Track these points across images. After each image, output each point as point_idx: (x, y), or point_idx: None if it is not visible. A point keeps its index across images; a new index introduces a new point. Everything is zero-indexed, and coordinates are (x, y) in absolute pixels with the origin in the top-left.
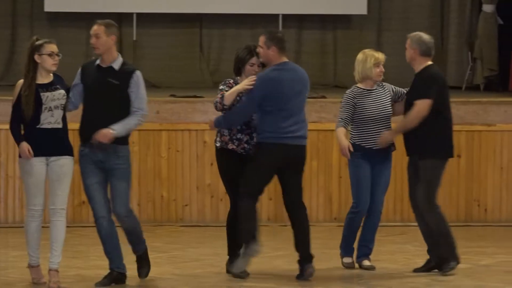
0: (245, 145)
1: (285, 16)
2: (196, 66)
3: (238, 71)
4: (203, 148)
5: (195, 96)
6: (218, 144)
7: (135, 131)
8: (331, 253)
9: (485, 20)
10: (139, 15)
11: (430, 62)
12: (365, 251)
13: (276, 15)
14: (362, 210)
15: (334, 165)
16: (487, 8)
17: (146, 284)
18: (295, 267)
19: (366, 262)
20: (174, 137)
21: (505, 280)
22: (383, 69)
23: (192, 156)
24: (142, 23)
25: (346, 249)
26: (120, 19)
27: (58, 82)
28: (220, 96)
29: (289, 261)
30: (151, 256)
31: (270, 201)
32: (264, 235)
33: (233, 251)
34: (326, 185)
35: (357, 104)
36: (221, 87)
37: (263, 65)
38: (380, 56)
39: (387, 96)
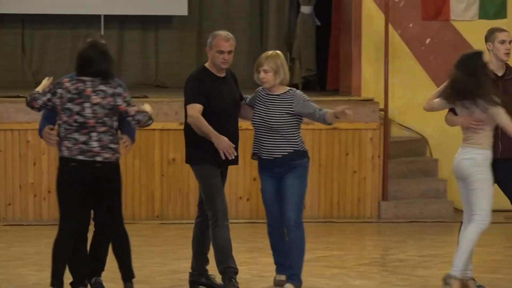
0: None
1: (107, 17)
2: (18, 66)
3: None
4: (26, 147)
5: (17, 96)
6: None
7: None
8: (155, 251)
9: (303, 21)
10: None
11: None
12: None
13: (98, 16)
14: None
15: (156, 163)
16: (305, 9)
17: None
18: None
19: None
20: None
21: (324, 275)
22: (265, 75)
23: (15, 156)
24: None
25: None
26: None
27: None
28: None
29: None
30: None
31: None
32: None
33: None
34: (148, 183)
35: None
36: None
37: None
38: (262, 60)
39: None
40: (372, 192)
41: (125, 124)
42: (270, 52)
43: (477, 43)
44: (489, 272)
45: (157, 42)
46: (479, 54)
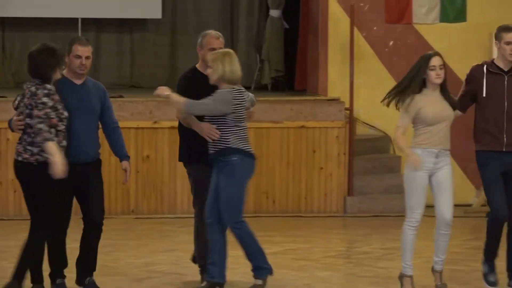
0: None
1: (84, 20)
2: None
3: None
4: (6, 145)
5: None
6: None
7: None
8: (130, 244)
9: (272, 24)
10: None
11: None
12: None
13: (76, 19)
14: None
15: (131, 160)
16: (274, 13)
17: None
18: None
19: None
20: None
21: (292, 267)
22: (208, 71)
23: None
24: None
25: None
26: None
27: None
28: None
29: None
30: None
31: None
32: None
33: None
34: None
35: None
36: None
37: None
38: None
39: None
40: (338, 188)
41: (112, 137)
42: (220, 50)
43: (438, 45)
44: (449, 264)
45: (132, 44)
46: (422, 57)
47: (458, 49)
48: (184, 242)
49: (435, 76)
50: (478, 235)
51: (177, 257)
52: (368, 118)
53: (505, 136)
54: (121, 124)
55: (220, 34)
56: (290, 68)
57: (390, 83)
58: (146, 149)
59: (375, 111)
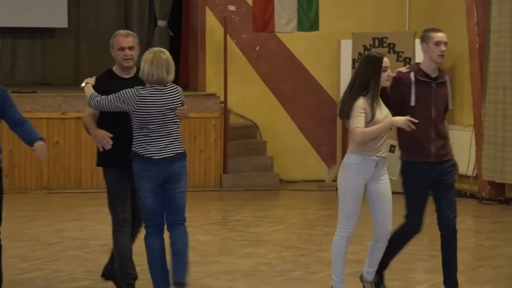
0: None
1: (2, 28)
2: None
3: None
4: None
5: None
6: None
7: None
8: (43, 215)
9: (159, 32)
10: None
11: None
12: None
13: None
14: None
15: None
16: (161, 23)
17: None
18: None
19: None
20: None
21: None
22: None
23: None
24: None
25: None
26: None
27: None
28: None
29: None
30: None
31: None
32: None
33: None
34: (38, 160)
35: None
36: None
37: None
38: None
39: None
40: (215, 167)
41: (20, 130)
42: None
43: (296, 49)
44: (307, 229)
45: (43, 49)
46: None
47: (312, 53)
48: (88, 213)
49: (386, 78)
50: (330, 206)
51: (82, 225)
52: (239, 110)
53: (433, 145)
54: (34, 115)
55: (130, 32)
56: (175, 68)
57: (257, 81)
58: (56, 136)
59: (244, 104)
